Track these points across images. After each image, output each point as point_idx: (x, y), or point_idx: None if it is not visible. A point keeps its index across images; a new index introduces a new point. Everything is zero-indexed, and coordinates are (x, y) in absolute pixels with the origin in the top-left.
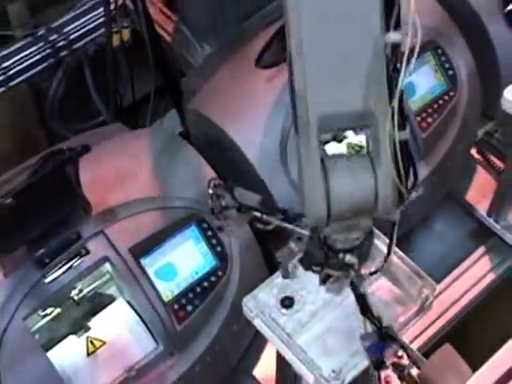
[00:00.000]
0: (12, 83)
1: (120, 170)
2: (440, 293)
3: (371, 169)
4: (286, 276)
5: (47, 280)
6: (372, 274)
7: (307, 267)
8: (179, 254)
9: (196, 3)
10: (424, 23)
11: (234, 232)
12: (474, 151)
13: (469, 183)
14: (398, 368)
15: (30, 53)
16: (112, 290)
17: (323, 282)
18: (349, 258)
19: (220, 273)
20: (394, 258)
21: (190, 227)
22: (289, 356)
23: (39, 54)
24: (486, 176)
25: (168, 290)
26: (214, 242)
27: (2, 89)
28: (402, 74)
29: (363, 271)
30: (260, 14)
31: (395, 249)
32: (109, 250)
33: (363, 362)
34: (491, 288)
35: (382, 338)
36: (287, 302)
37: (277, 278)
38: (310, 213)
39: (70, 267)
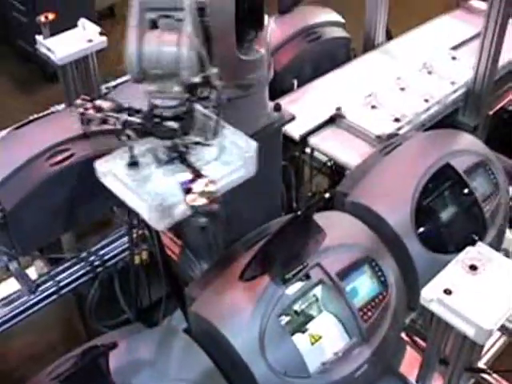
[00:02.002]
0: (62, 292)
1: (140, 361)
2: None
3: (176, 37)
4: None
5: None
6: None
7: (142, 136)
8: None
9: (195, 234)
10: (361, 244)
11: None
12: (403, 334)
13: (401, 359)
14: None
15: (75, 270)
16: None
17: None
18: (170, 123)
19: None
20: None
21: None
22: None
23: (82, 270)
24: (414, 353)
25: None
26: None
27: (56, 296)
28: None
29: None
30: (242, 240)
31: None
32: None
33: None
34: None
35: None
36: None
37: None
38: (129, 66)
39: None
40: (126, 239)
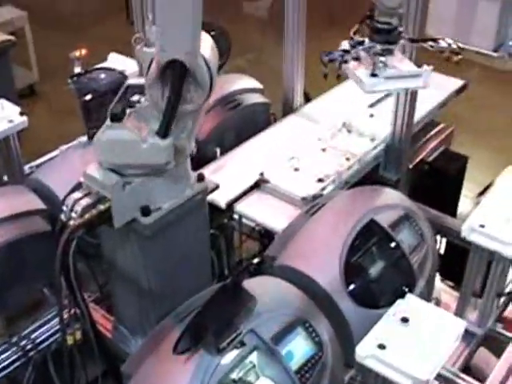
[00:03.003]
0: None
1: None
2: None
3: None
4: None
5: None
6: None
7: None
8: None
9: (127, 310)
10: (293, 306)
11: None
12: None
13: None
14: None
15: (7, 356)
16: None
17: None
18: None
19: None
20: None
21: None
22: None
23: (14, 355)
24: None
25: None
26: None
27: None
28: None
29: None
30: (174, 313)
31: None
32: None
33: None
34: None
35: None
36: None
37: None
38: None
39: None
40: (57, 321)
